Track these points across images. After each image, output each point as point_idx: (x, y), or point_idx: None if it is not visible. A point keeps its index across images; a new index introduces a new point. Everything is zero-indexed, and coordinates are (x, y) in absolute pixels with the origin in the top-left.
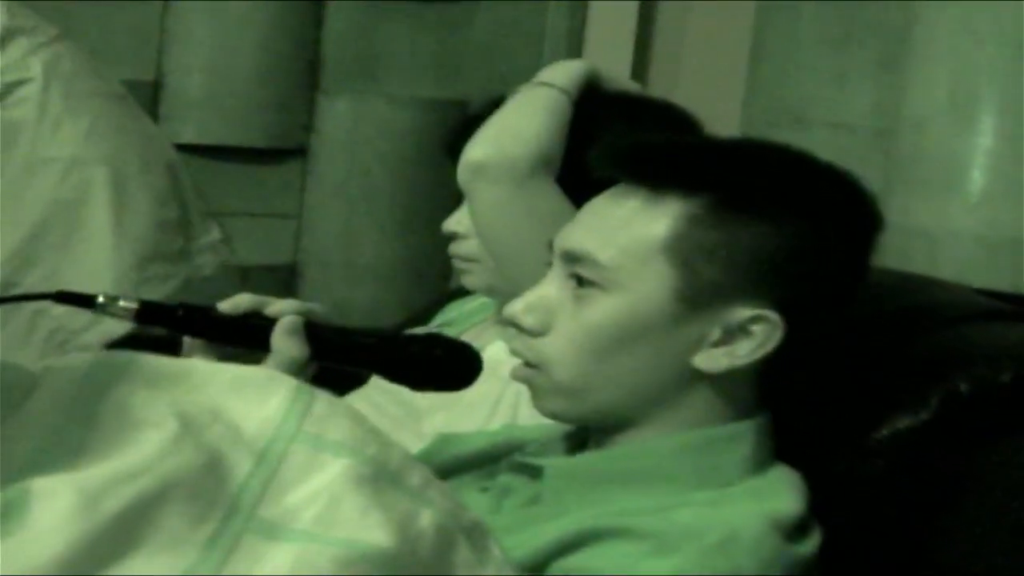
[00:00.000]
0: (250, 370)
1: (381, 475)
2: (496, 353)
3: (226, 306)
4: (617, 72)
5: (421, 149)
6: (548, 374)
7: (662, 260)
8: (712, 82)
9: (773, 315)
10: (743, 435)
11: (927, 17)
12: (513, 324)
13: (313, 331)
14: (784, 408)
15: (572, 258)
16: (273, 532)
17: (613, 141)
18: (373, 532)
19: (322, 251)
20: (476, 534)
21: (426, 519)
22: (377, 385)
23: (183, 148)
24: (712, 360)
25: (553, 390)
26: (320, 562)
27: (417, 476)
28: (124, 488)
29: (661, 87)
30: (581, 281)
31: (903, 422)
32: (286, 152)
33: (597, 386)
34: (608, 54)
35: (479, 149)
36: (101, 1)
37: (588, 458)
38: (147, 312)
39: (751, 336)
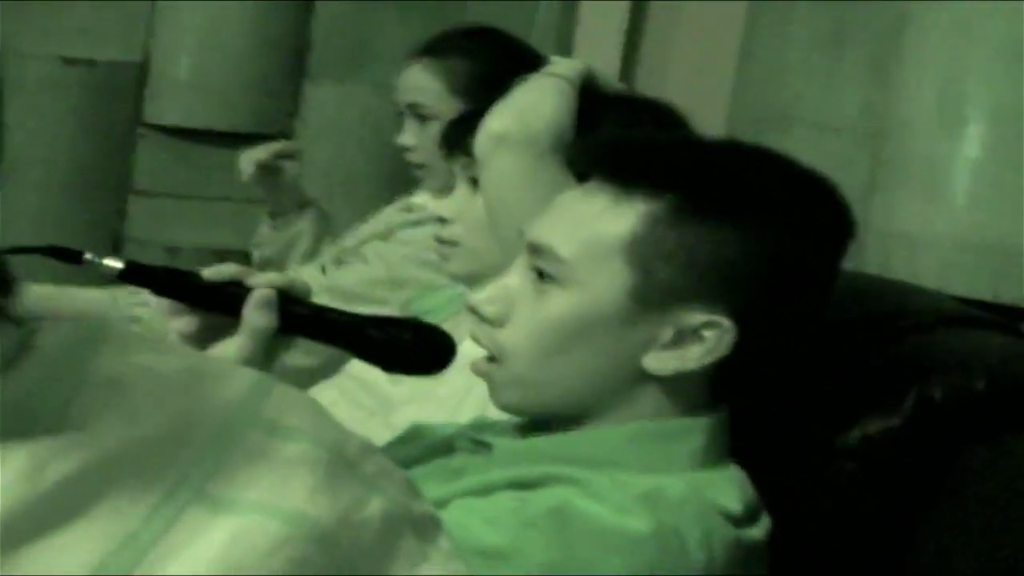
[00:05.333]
0: (210, 360)
1: (335, 460)
2: (471, 347)
3: (210, 273)
4: (605, 69)
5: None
6: (505, 366)
7: (620, 259)
8: (701, 80)
9: (726, 321)
10: (693, 430)
11: (919, 19)
12: (474, 312)
13: (287, 305)
14: (756, 408)
15: (535, 250)
16: (219, 506)
17: (589, 137)
18: (318, 512)
19: None
20: (425, 526)
21: (375, 506)
22: (350, 375)
23: (167, 130)
24: (661, 362)
25: (509, 382)
26: (258, 539)
27: (372, 464)
28: (72, 456)
29: (649, 85)
30: (542, 274)
31: (875, 426)
32: (269, 137)
33: (550, 380)
34: (597, 48)
35: (501, 120)
36: None
37: (538, 441)
38: (131, 272)
39: (702, 341)
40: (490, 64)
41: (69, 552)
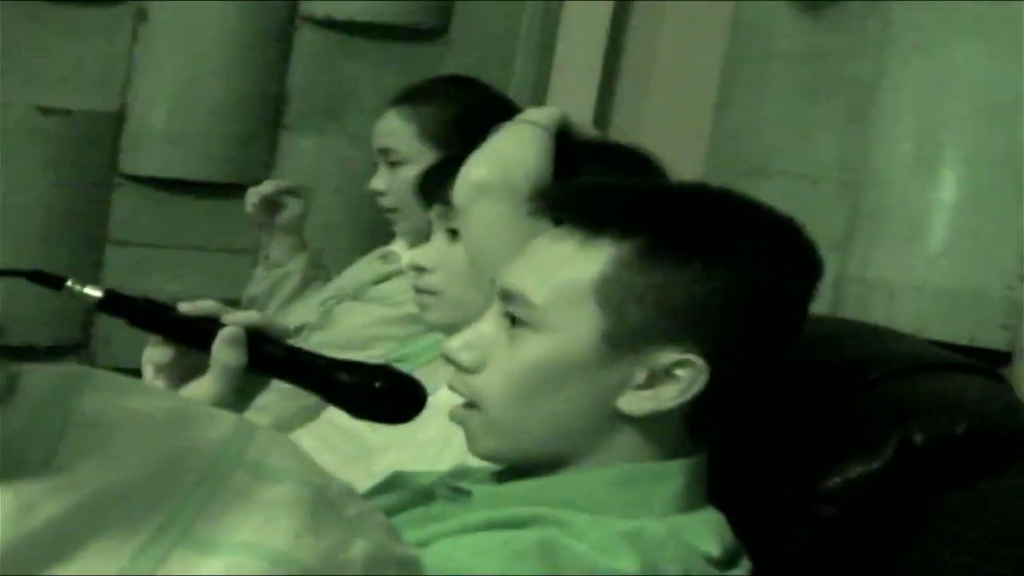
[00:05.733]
0: (194, 403)
1: (319, 502)
2: (449, 394)
3: (187, 307)
4: (581, 119)
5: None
6: (483, 412)
7: (591, 302)
8: (676, 131)
9: (698, 360)
10: (671, 473)
11: (895, 71)
12: (450, 361)
13: (259, 344)
14: (736, 452)
15: (507, 296)
16: (206, 547)
17: (560, 183)
18: (303, 554)
19: None
20: (407, 569)
21: (357, 549)
22: (329, 421)
23: (143, 180)
24: (636, 403)
25: (487, 428)
26: None
27: (354, 507)
28: (61, 497)
29: (625, 134)
30: (515, 320)
31: (856, 470)
32: (245, 188)
33: (526, 425)
34: (573, 99)
35: (481, 169)
36: (71, 31)
37: (516, 486)
38: (109, 301)
39: (676, 380)
40: (463, 111)
41: None
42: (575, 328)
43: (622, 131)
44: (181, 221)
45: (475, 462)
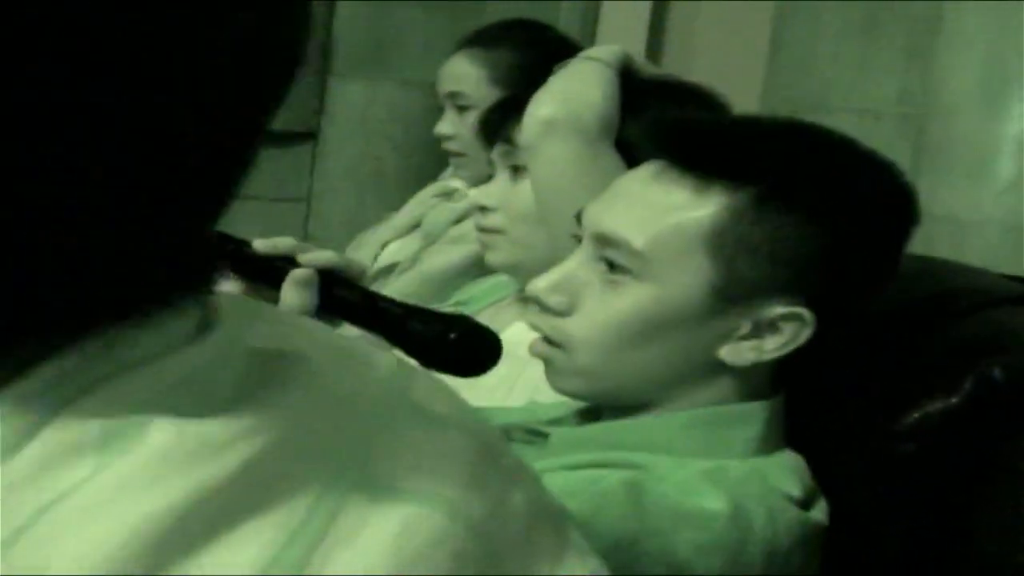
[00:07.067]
0: (349, 339)
1: (481, 451)
2: (515, 334)
3: (262, 245)
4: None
5: (432, 134)
6: (570, 355)
7: (702, 253)
8: (728, 70)
9: (807, 313)
10: (753, 416)
11: (957, 4)
12: (535, 301)
13: (334, 287)
14: (814, 392)
15: (605, 241)
16: (383, 494)
17: (659, 119)
18: (471, 504)
19: (330, 235)
20: (560, 521)
21: (517, 500)
22: None
23: None
24: (738, 354)
25: (573, 371)
26: (424, 531)
27: (510, 456)
28: (254, 437)
29: (677, 73)
30: (613, 266)
31: (934, 406)
32: (296, 135)
33: (618, 372)
34: (623, 40)
35: (548, 107)
36: None
37: (595, 428)
38: None
39: (780, 332)
40: (531, 55)
41: (243, 546)
42: (683, 279)
43: (673, 70)
44: None
45: (545, 397)
